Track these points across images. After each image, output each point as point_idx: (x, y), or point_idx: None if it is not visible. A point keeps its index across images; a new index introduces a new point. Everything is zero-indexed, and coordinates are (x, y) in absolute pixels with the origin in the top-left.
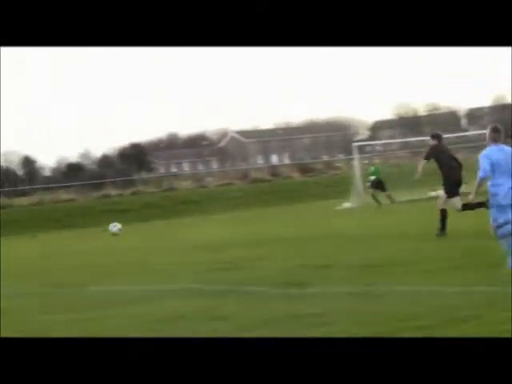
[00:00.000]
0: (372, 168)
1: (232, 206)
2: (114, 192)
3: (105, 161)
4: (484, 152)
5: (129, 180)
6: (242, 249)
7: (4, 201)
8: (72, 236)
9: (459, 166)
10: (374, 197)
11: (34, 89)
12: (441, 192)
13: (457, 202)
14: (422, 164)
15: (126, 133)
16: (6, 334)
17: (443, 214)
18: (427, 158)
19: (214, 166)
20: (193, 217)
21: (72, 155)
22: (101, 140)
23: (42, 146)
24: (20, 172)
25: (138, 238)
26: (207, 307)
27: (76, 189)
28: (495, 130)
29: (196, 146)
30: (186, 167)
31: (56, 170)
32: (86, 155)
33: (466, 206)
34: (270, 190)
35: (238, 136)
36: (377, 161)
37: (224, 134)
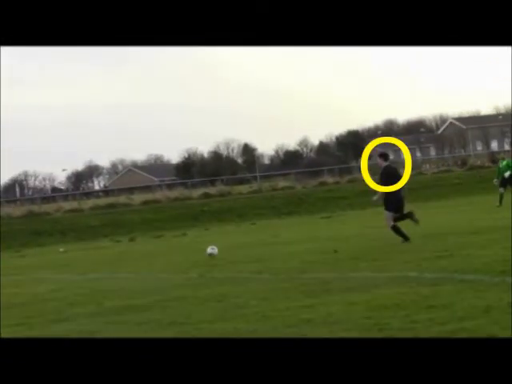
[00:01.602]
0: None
1: (450, 193)
2: (330, 179)
3: (322, 148)
4: None
5: (346, 167)
6: (458, 236)
7: (224, 188)
8: (288, 223)
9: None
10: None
11: (252, 78)
12: (386, 212)
13: (390, 217)
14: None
15: (343, 120)
16: (222, 317)
17: (396, 229)
18: (381, 179)
19: (432, 152)
20: (409, 204)
21: (290, 143)
22: (318, 128)
23: (262, 134)
24: (240, 160)
25: (354, 226)
26: (424, 295)
27: (294, 176)
28: None
29: (414, 132)
30: (403, 154)
31: (275, 158)
32: (303, 143)
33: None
34: (489, 177)
35: (457, 122)
36: None
37: (443, 121)
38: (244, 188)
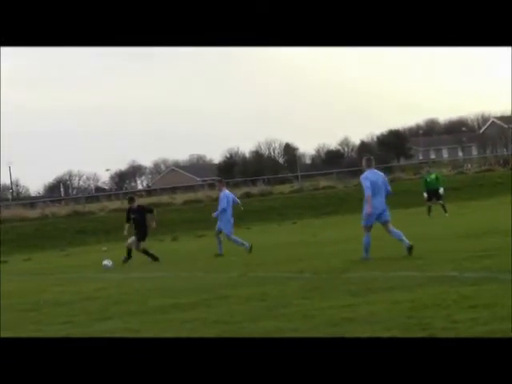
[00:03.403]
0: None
1: (492, 193)
2: None
3: (363, 148)
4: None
5: (387, 167)
6: (499, 236)
7: (265, 188)
8: (330, 223)
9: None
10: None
11: (293, 79)
12: (133, 238)
13: (136, 243)
14: (126, 227)
15: (384, 119)
16: (265, 316)
17: (145, 252)
18: (127, 219)
19: (474, 152)
20: (451, 204)
21: (331, 142)
22: (360, 127)
23: (303, 134)
24: (281, 159)
25: (396, 225)
26: (465, 295)
27: (335, 176)
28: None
29: (455, 131)
30: (445, 153)
31: (316, 157)
32: (345, 142)
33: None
34: None
35: (499, 121)
36: None
37: (485, 120)
38: (285, 187)
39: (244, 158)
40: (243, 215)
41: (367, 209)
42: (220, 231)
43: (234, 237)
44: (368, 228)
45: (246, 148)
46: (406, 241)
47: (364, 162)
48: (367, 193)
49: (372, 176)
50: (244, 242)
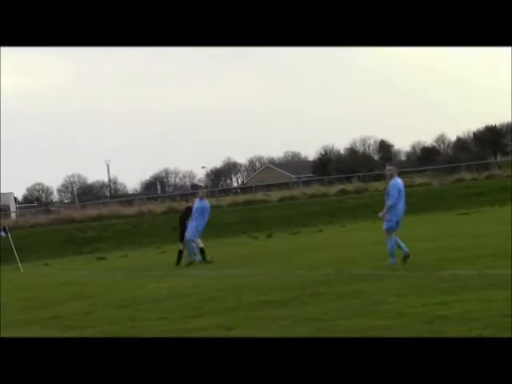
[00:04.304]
0: None
1: None
2: (468, 176)
3: (459, 144)
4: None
5: (483, 164)
6: None
7: (360, 185)
8: (425, 220)
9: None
10: None
11: (388, 76)
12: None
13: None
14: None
15: (481, 116)
16: (358, 313)
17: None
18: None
19: None
20: None
21: (427, 139)
22: (455, 123)
23: (398, 130)
24: (376, 156)
25: (492, 222)
26: None
27: (430, 173)
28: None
29: None
30: None
31: (411, 154)
32: (440, 139)
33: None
34: None
35: None
36: None
37: None
38: (380, 184)
39: (339, 154)
40: (337, 213)
41: (384, 214)
42: (192, 240)
43: (194, 244)
44: (390, 232)
45: (341, 145)
46: (393, 259)
47: (391, 171)
48: (392, 201)
49: (399, 185)
50: (197, 256)
